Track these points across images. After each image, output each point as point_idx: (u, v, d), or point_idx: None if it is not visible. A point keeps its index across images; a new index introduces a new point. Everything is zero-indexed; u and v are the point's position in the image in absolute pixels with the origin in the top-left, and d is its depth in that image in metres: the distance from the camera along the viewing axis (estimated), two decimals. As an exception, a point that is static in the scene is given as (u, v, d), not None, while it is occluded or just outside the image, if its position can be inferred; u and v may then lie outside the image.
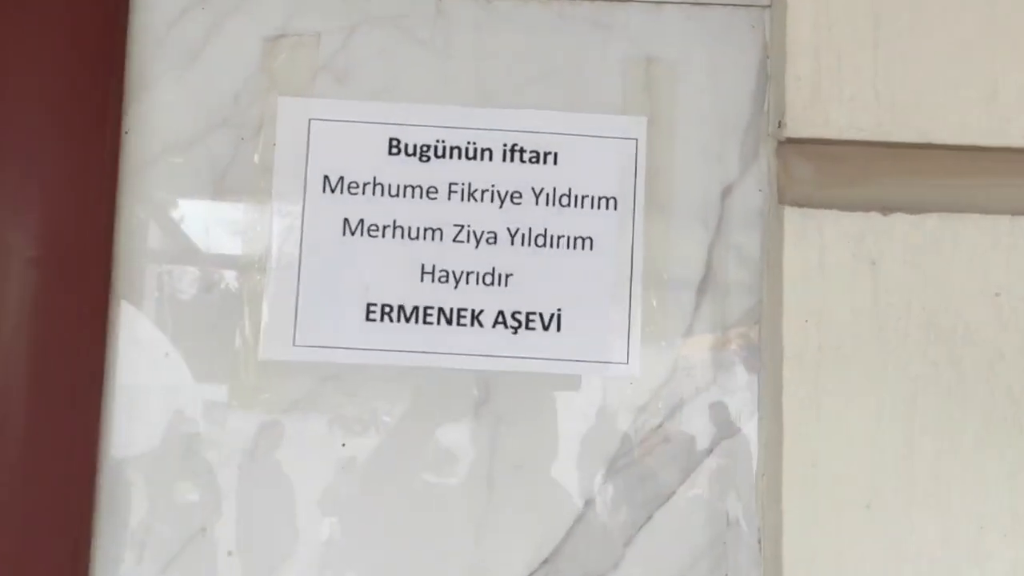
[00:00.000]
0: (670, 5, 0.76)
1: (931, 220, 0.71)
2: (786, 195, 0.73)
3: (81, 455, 0.70)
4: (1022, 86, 0.72)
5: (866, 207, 0.71)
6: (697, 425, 0.73)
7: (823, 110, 0.71)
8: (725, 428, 0.73)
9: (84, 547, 0.70)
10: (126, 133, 0.74)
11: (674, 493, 0.72)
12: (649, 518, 0.72)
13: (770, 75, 0.75)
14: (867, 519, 0.68)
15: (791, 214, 0.71)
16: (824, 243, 0.71)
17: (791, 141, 0.72)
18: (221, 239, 0.74)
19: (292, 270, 0.73)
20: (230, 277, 0.73)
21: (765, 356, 0.73)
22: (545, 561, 0.71)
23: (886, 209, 0.71)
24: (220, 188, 0.74)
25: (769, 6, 0.76)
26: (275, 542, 0.71)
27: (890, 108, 0.71)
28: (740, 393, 0.73)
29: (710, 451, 0.73)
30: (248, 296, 0.73)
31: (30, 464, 0.70)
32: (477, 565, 0.72)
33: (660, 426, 0.73)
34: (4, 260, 0.70)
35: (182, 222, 0.74)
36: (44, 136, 0.72)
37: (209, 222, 0.74)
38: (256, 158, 0.74)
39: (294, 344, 0.73)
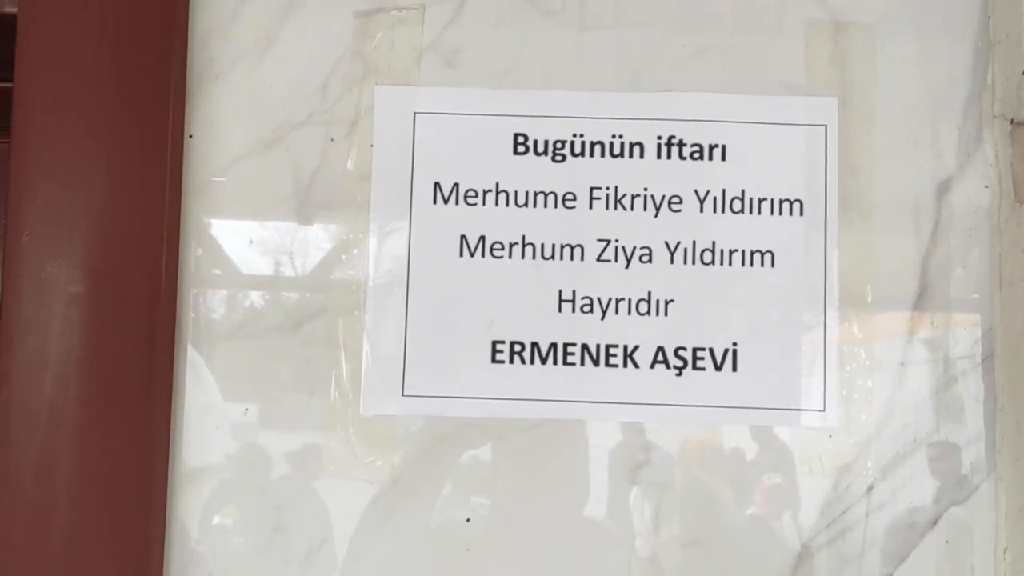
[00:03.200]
0: (859, -44, 0.60)
1: None
2: (1022, 190, 0.57)
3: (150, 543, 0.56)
4: None
5: None
6: (918, 489, 0.57)
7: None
8: (954, 491, 0.57)
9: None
10: (190, 137, 0.60)
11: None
12: (859, 609, 0.56)
13: (994, 39, 0.59)
14: None
15: (1035, 215, 0.55)
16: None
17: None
18: (308, 264, 0.60)
19: (399, 300, 0.58)
20: (321, 312, 0.59)
21: (1004, 397, 0.57)
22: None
23: None
24: (306, 200, 0.59)
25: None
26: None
27: None
28: (972, 446, 0.57)
29: (935, 522, 0.57)
30: (344, 335, 0.58)
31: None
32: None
33: (870, 490, 0.57)
34: (48, 298, 0.57)
35: (259, 245, 0.60)
36: (88, 145, 0.59)
37: (293, 244, 0.60)
38: (350, 163, 0.60)
39: (403, 394, 0.58)
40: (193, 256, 0.59)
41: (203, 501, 0.57)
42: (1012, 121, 0.57)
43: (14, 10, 0.60)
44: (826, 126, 0.59)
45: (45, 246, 0.57)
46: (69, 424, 0.55)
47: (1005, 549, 0.57)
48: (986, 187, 0.59)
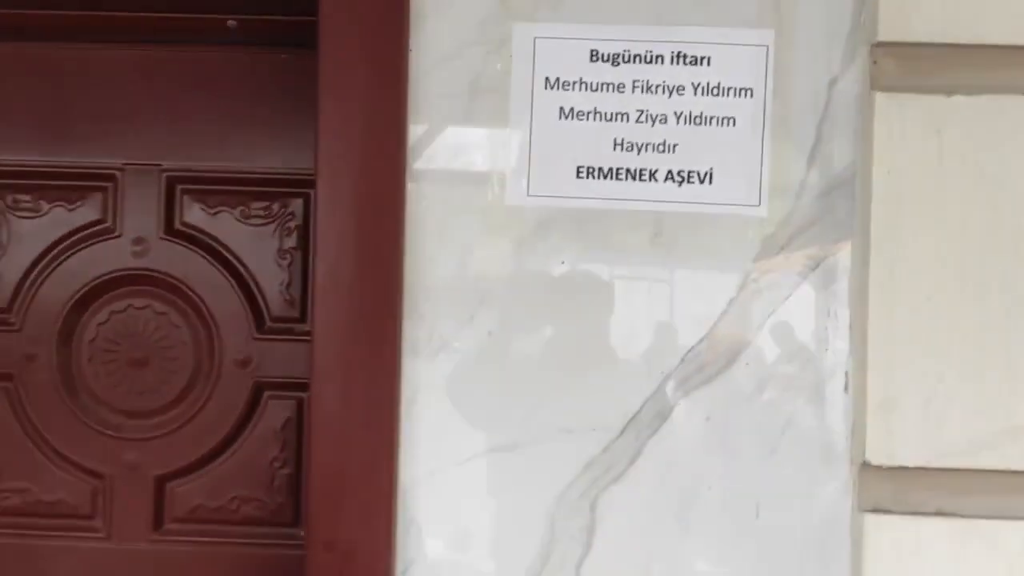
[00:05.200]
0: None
1: (983, 99, 1.00)
2: (876, 83, 1.02)
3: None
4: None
5: (934, 91, 1.00)
6: (809, 249, 1.05)
7: (905, 20, 1.00)
8: (828, 249, 1.05)
9: None
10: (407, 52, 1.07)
11: (798, 288, 1.04)
12: (773, 311, 1.05)
13: (866, -6, 1.04)
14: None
15: (880, 98, 1.01)
16: (903, 117, 1.00)
17: (880, 44, 1.01)
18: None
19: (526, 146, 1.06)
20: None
21: (859, 199, 1.04)
22: (701, 339, 1.05)
23: (950, 92, 1.00)
24: (475, 90, 1.07)
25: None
26: None
27: (954, 18, 0.99)
28: (841, 226, 1.04)
29: (818, 264, 1.05)
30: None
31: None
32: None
33: (782, 248, 1.05)
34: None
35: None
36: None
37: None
38: (498, 66, 1.07)
39: (528, 194, 1.06)
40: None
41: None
42: (871, 44, 1.02)
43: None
44: (768, 47, 1.05)
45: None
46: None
47: (854, 277, 1.04)
48: (856, 82, 1.04)
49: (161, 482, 1.29)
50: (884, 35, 1.00)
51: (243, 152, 1.29)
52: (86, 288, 1.29)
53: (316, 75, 1.09)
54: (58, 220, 1.29)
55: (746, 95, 1.05)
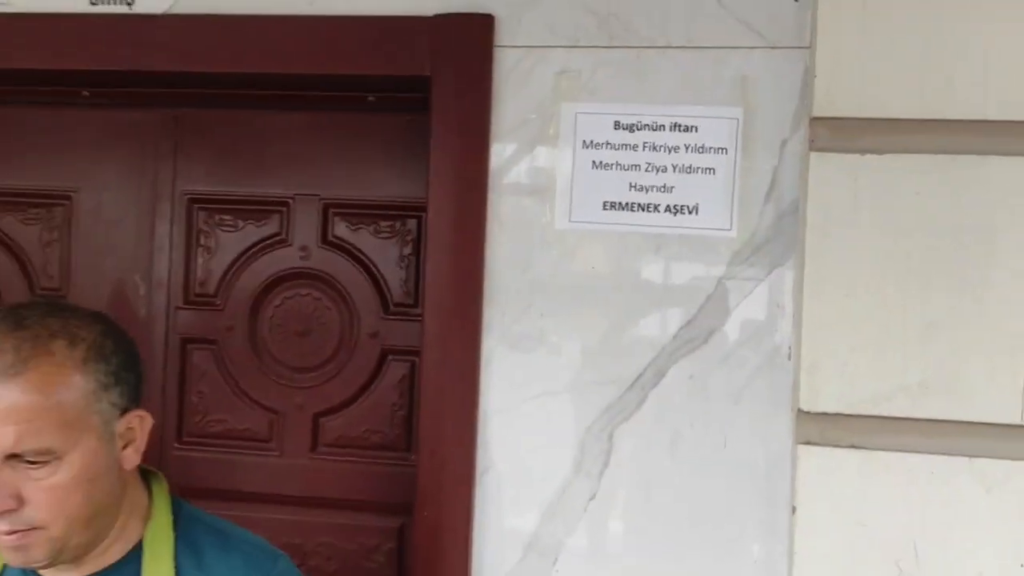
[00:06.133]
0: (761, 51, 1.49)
1: (887, 157, 1.42)
2: (813, 145, 1.46)
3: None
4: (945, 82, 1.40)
5: (852, 151, 1.43)
6: (765, 260, 1.49)
7: (833, 102, 1.43)
8: (778, 260, 1.49)
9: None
10: (489, 122, 1.57)
11: (756, 287, 1.49)
12: (739, 304, 1.49)
13: (808, 81, 1.48)
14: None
15: (814, 156, 1.44)
16: (831, 169, 1.43)
17: (816, 118, 1.44)
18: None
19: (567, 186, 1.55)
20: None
21: (800, 225, 1.47)
22: (688, 322, 1.51)
23: (863, 152, 1.43)
24: (535, 148, 1.56)
25: (808, 47, 1.47)
26: None
27: (866, 100, 1.42)
28: (788, 244, 1.48)
29: (771, 271, 1.49)
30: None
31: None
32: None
33: (745, 260, 1.49)
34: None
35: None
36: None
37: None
38: (551, 131, 1.55)
39: (570, 220, 1.54)
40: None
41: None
42: (811, 118, 1.45)
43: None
44: (738, 119, 1.50)
45: (438, 164, 1.57)
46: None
47: (800, 279, 1.48)
48: (801, 143, 1.48)
49: (316, 417, 1.83)
50: (818, 112, 1.44)
51: (376, 186, 1.81)
52: (267, 281, 1.84)
53: (428, 133, 1.60)
54: (249, 234, 1.85)
55: (722, 152, 1.50)
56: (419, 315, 1.70)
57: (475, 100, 1.58)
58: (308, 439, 1.83)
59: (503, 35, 1.55)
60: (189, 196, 1.86)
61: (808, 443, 1.44)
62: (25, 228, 1.91)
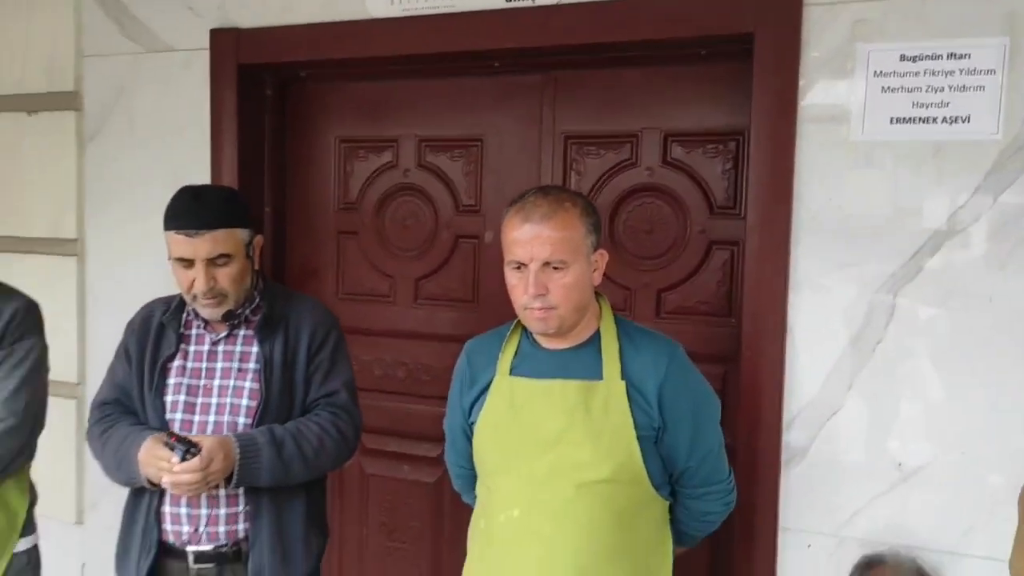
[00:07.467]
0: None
1: None
2: (1073, 62, 1.83)
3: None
4: None
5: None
6: (1028, 156, 1.90)
7: None
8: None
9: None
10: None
11: (1015, 181, 1.90)
12: (999, 196, 1.92)
13: None
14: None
15: (1073, 70, 1.82)
16: (1088, 80, 1.80)
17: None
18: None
19: (860, 107, 2.04)
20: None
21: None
22: (953, 214, 1.96)
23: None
24: (835, 77, 2.06)
25: None
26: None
27: None
28: None
29: (1033, 166, 1.89)
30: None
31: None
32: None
33: (1009, 158, 1.91)
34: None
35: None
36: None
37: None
38: (848, 65, 2.05)
39: (862, 134, 2.04)
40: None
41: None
42: None
43: None
44: (1005, 45, 1.89)
45: (759, 97, 2.13)
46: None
47: None
48: None
49: (660, 292, 2.49)
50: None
51: (706, 118, 2.41)
52: (622, 194, 2.51)
53: (747, 76, 2.16)
54: (608, 160, 2.53)
55: (991, 73, 1.91)
56: (737, 214, 2.30)
57: (788, 48, 2.11)
58: (653, 308, 2.50)
59: (810, -5, 2.07)
60: (565, 135, 2.56)
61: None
62: (452, 163, 2.73)
